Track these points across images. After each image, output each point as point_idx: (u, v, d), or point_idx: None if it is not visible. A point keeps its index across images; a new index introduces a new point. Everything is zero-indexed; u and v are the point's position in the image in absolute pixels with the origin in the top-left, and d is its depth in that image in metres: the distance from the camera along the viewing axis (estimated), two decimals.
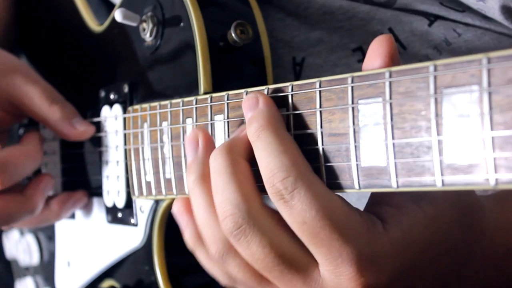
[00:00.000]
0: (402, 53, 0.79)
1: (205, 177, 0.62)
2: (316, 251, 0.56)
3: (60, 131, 0.90)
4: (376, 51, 0.55)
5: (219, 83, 0.75)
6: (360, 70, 0.56)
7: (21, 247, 1.12)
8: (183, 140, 0.73)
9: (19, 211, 0.89)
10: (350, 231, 0.55)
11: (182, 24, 0.78)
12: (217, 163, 0.60)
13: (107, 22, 0.93)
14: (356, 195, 0.60)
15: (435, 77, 0.49)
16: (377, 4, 0.80)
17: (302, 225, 0.55)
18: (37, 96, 0.89)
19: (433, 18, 0.79)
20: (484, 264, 0.63)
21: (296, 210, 0.55)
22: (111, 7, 0.98)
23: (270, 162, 0.56)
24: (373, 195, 0.61)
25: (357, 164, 0.55)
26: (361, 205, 0.60)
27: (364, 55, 0.79)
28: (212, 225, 0.61)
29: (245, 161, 0.60)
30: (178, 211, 0.68)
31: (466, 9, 0.77)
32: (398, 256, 0.56)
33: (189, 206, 0.66)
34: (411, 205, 0.57)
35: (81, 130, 0.90)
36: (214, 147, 0.64)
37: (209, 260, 0.66)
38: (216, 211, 0.60)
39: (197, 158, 0.64)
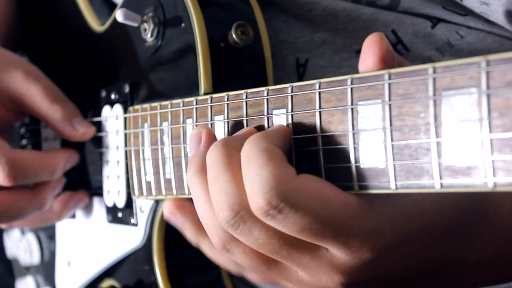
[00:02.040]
0: (405, 55, 0.79)
1: (203, 169, 0.61)
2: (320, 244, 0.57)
3: (60, 131, 0.90)
4: (369, 51, 0.55)
5: (219, 84, 0.75)
6: None
7: (22, 246, 1.12)
8: (184, 140, 0.73)
9: (27, 206, 0.88)
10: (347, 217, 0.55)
11: (183, 24, 0.78)
12: (213, 155, 0.59)
13: (108, 22, 0.93)
14: None
15: (434, 79, 0.49)
16: (380, 7, 0.80)
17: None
18: (38, 94, 0.89)
19: (435, 21, 0.79)
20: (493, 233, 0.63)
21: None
22: (113, 6, 0.98)
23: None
24: None
25: (356, 166, 0.55)
26: None
27: None
28: (211, 216, 0.61)
29: (239, 153, 0.59)
30: (170, 214, 0.68)
31: (469, 13, 0.77)
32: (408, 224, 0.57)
33: (179, 205, 0.67)
34: None
35: (81, 131, 0.90)
36: None
37: (214, 251, 0.66)
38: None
39: (198, 152, 0.64)
